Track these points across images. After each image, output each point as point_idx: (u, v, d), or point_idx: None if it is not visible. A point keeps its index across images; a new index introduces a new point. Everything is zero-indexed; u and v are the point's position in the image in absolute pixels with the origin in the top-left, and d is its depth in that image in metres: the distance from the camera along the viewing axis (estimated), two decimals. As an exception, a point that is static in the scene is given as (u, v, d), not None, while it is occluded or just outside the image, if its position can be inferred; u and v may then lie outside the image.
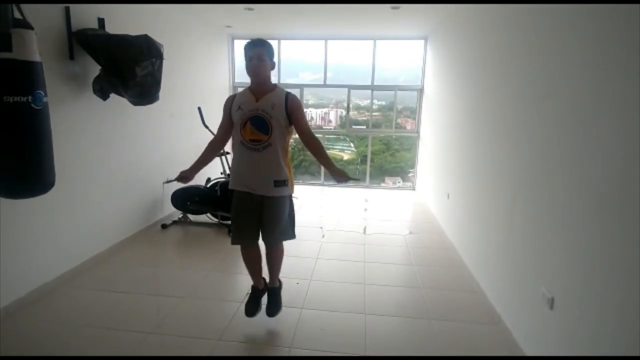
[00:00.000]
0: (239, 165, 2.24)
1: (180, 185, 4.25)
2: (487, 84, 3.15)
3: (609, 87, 1.59)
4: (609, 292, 1.54)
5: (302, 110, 2.27)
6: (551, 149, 2.03)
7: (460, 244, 3.65)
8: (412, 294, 2.94)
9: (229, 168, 4.22)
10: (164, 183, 2.50)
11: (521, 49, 2.50)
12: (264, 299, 2.52)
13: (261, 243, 2.39)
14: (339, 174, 2.18)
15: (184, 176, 2.31)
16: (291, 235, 2.40)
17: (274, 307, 2.47)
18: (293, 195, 2.38)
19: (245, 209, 2.27)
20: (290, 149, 2.35)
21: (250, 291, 2.51)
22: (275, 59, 2.30)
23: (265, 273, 2.52)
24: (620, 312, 1.47)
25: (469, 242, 3.38)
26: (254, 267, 2.45)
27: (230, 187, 2.30)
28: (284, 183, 2.22)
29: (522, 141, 2.39)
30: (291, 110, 2.18)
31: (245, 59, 2.19)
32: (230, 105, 2.25)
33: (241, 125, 2.17)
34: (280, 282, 2.58)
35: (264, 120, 2.14)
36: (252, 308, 2.44)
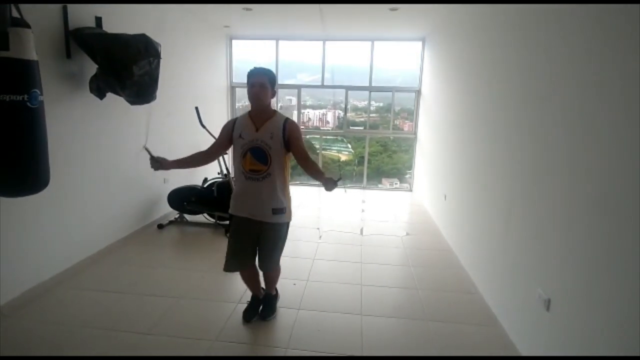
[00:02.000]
0: (240, 192, 2.29)
1: (177, 184, 4.27)
2: (484, 86, 3.16)
3: (607, 89, 1.60)
4: (605, 293, 1.55)
5: (300, 135, 2.29)
6: (548, 151, 2.03)
7: (457, 245, 3.66)
8: (408, 295, 2.94)
9: (226, 168, 4.22)
10: (144, 146, 2.46)
11: (519, 50, 2.51)
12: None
13: None
14: (329, 183, 2.13)
15: (161, 162, 2.29)
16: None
17: (268, 311, 2.57)
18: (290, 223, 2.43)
19: (243, 235, 2.33)
20: (289, 175, 2.38)
21: (250, 300, 2.62)
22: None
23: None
24: (617, 313, 1.48)
25: (466, 243, 3.39)
26: (252, 284, 2.56)
27: (230, 212, 2.35)
28: (282, 211, 2.28)
29: (519, 143, 2.39)
30: (289, 135, 2.22)
31: (248, 85, 2.22)
32: (231, 128, 2.29)
33: (242, 155, 2.22)
34: (277, 291, 2.70)
35: (263, 151, 2.19)
36: (249, 315, 2.53)
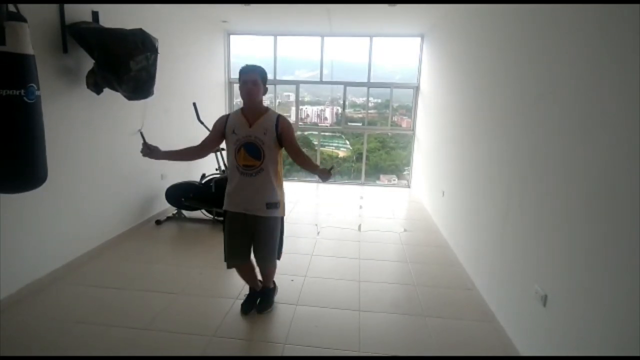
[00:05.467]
0: (234, 187, 2.32)
1: (175, 180, 4.26)
2: (483, 82, 3.16)
3: (606, 89, 1.60)
4: (601, 289, 1.56)
5: (292, 131, 2.36)
6: (546, 147, 2.04)
7: (454, 241, 3.67)
8: (406, 291, 2.95)
9: (224, 164, 4.21)
10: (139, 130, 2.47)
11: (518, 47, 2.50)
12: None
13: None
14: (323, 174, 2.25)
15: (152, 149, 2.28)
16: (277, 256, 2.48)
17: (265, 304, 2.61)
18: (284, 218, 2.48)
19: (237, 230, 2.36)
20: (282, 169, 2.43)
21: (247, 292, 2.67)
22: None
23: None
24: (613, 309, 1.49)
25: (464, 239, 3.40)
26: (249, 278, 2.59)
27: (224, 208, 2.38)
28: (275, 205, 2.32)
29: (517, 140, 2.40)
30: (282, 131, 2.27)
31: (240, 83, 2.27)
32: (224, 125, 2.31)
33: (235, 151, 2.25)
34: (275, 284, 2.73)
35: (257, 147, 2.23)
36: (247, 307, 2.58)
